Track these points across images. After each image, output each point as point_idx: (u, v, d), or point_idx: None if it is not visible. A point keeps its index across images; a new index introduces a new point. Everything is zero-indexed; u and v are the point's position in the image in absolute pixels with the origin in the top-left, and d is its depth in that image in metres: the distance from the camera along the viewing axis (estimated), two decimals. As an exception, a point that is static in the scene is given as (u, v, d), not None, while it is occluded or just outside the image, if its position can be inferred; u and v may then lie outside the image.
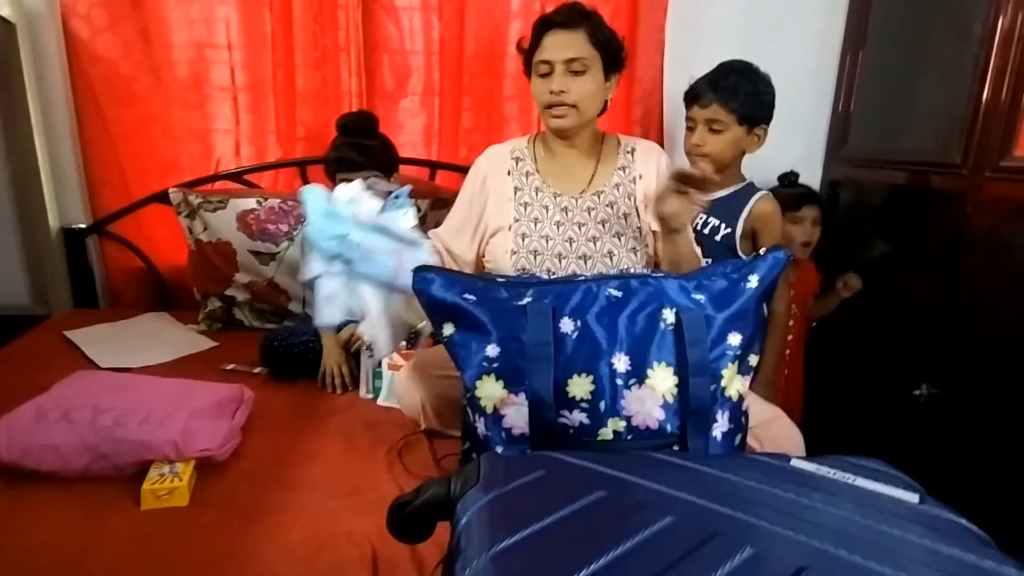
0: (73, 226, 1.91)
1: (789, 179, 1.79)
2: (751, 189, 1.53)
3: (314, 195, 1.10)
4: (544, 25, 1.29)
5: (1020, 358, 1.21)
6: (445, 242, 1.40)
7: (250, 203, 1.82)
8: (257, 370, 1.56)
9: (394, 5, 1.89)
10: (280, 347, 1.52)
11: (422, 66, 1.94)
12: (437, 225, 1.91)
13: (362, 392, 1.47)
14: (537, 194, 1.34)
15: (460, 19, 1.88)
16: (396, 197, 1.16)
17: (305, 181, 1.96)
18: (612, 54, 1.29)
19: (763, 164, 1.67)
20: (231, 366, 1.57)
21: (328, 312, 1.10)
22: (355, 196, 1.12)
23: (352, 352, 1.53)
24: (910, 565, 0.49)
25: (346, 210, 1.10)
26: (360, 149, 1.58)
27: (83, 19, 1.76)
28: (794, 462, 0.67)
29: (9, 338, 1.71)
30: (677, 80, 1.60)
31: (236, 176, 1.93)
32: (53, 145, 1.86)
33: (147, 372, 1.44)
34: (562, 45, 1.26)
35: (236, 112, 1.91)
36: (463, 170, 1.99)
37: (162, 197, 1.87)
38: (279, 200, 1.83)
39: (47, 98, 1.82)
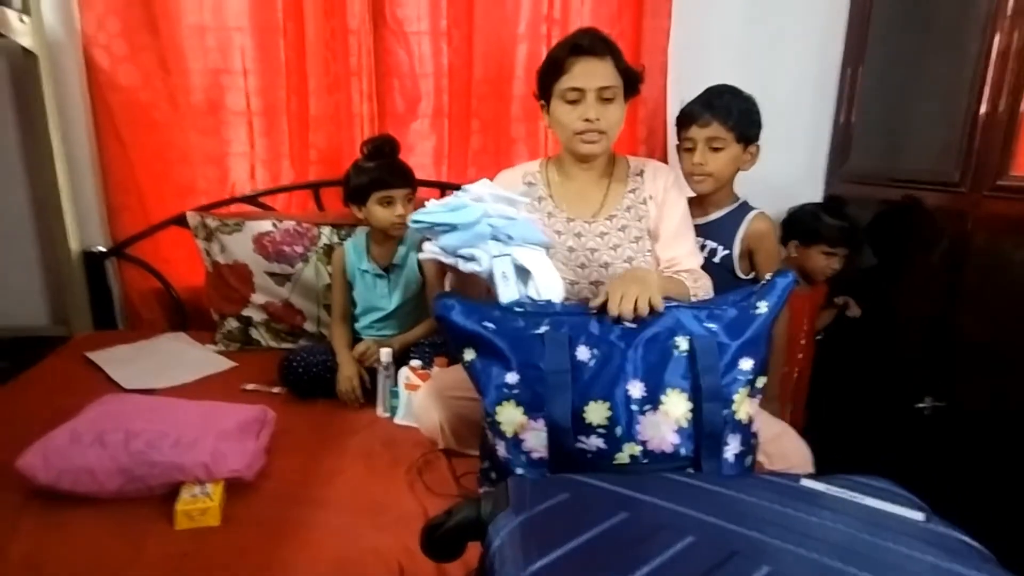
0: (93, 249, 1.96)
1: (836, 206, 1.80)
2: (745, 208, 1.56)
3: (429, 207, 1.11)
4: (571, 51, 1.28)
5: (1021, 371, 1.25)
6: None
7: (266, 225, 1.86)
8: (276, 390, 1.60)
9: (404, 31, 1.95)
10: (299, 367, 1.56)
11: (432, 90, 1.99)
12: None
13: (379, 411, 1.51)
14: (549, 219, 1.37)
15: (468, 44, 1.93)
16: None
17: (319, 203, 2.01)
18: (632, 80, 1.32)
19: (764, 180, 1.71)
20: (251, 386, 1.61)
21: (509, 292, 1.08)
22: (479, 192, 1.14)
23: (367, 367, 1.57)
24: (916, 581, 0.53)
25: (460, 200, 1.11)
26: (397, 169, 1.62)
27: (104, 49, 1.82)
28: (804, 482, 0.70)
29: (30, 358, 1.76)
30: (680, 102, 1.65)
31: (251, 199, 1.98)
32: (74, 171, 1.91)
33: (170, 393, 1.49)
34: (594, 73, 1.27)
35: (251, 136, 1.96)
36: (473, 190, 2.04)
37: (180, 220, 1.92)
38: (294, 222, 1.88)
39: (68, 125, 1.88)
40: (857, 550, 0.57)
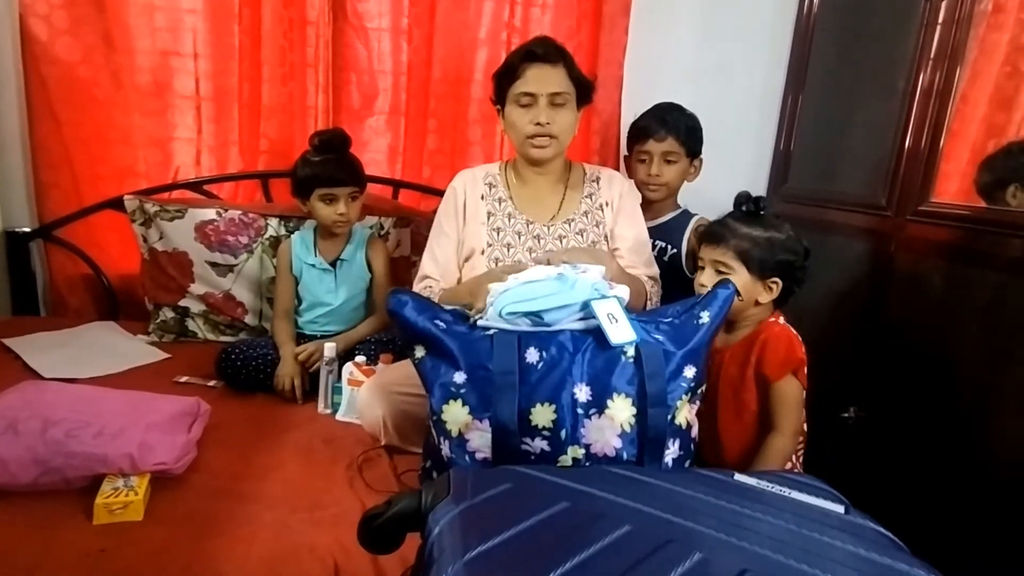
0: (16, 229, 1.84)
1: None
2: (688, 214, 1.69)
3: (525, 294, 1.00)
4: (525, 57, 1.32)
5: (937, 384, 1.34)
6: (441, 275, 1.41)
7: (210, 214, 1.80)
8: (212, 383, 1.54)
9: (364, 26, 1.93)
10: (238, 360, 1.51)
11: (390, 87, 1.98)
12: (400, 243, 1.95)
13: (320, 407, 1.47)
14: (510, 220, 1.39)
15: (429, 44, 1.93)
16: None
17: (267, 194, 1.95)
18: (584, 89, 1.37)
19: (710, 197, 1.78)
20: (185, 378, 1.55)
21: (622, 333, 0.99)
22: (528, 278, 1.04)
23: (312, 370, 1.53)
24: (835, 568, 0.56)
25: (562, 280, 1.02)
26: (343, 166, 1.59)
27: (43, 20, 1.73)
28: (737, 476, 0.73)
29: (-61, 344, 1.63)
30: (633, 114, 1.71)
31: (195, 186, 1.91)
32: (0, 146, 1.79)
33: (95, 383, 1.41)
34: (546, 79, 1.31)
35: (199, 122, 1.90)
36: (426, 190, 2.03)
37: (116, 204, 1.83)
38: (240, 212, 1.82)
39: (-4, 97, 1.77)
40: (784, 539, 0.60)
